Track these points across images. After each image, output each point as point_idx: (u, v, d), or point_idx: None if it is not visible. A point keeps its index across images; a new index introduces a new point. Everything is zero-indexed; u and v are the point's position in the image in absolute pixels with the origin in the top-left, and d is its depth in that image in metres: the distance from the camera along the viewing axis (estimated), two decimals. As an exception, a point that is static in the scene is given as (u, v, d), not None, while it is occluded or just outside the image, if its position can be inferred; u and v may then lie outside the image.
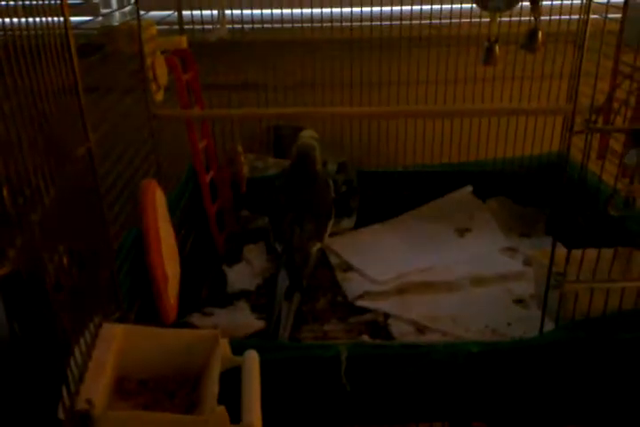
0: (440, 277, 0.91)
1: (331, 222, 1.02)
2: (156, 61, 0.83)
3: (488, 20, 1.03)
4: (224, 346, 0.57)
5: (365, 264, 0.96)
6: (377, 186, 1.13)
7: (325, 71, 1.16)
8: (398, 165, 1.18)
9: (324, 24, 1.13)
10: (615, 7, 0.92)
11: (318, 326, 0.84)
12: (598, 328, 0.68)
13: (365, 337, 0.79)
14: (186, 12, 1.09)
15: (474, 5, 1.01)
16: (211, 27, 1.09)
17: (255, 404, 0.51)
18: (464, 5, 1.12)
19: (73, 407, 0.46)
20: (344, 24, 1.14)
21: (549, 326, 0.72)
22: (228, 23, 1.09)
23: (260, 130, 1.20)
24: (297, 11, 1.13)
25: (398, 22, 1.13)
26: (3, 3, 0.46)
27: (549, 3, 1.12)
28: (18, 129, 0.44)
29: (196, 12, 1.10)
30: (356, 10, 1.13)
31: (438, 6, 1.12)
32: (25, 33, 0.47)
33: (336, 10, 1.13)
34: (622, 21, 0.93)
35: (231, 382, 0.54)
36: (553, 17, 1.11)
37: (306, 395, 0.67)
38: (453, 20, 1.13)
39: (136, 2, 0.84)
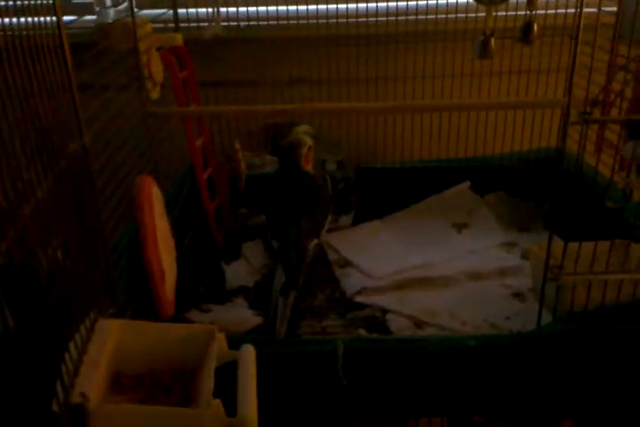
0: (438, 272, 0.91)
1: (328, 219, 1.02)
2: (151, 59, 0.83)
3: (484, 14, 1.04)
4: (220, 340, 0.57)
5: (363, 260, 0.96)
6: (375, 182, 1.13)
7: (321, 68, 1.16)
8: (396, 161, 1.18)
9: (320, 21, 1.13)
10: (610, 0, 0.92)
11: (316, 321, 0.83)
12: (596, 320, 0.67)
13: (362, 332, 0.79)
14: (181, 10, 1.10)
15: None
16: (206, 24, 1.09)
17: (251, 398, 0.51)
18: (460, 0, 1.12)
19: (67, 401, 0.46)
20: (339, 20, 1.14)
21: (547, 318, 0.72)
22: (223, 20, 1.09)
23: (257, 127, 1.20)
24: (292, 8, 1.13)
25: (393, 18, 1.13)
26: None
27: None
28: (10, 124, 0.44)
29: (192, 10, 1.10)
30: (352, 6, 1.13)
31: (434, 1, 1.12)
32: (18, 32, 0.47)
33: (331, 6, 1.13)
34: (617, 13, 0.93)
35: (228, 376, 0.54)
36: (548, 11, 1.11)
37: (302, 390, 0.67)
38: (449, 16, 1.14)
39: (131, 2, 0.84)
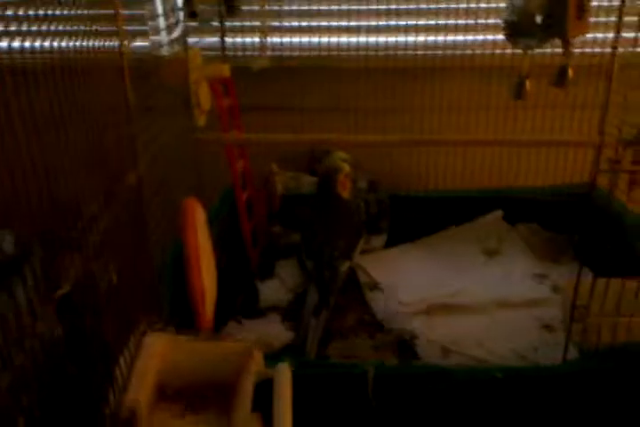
0: (467, 299, 0.93)
1: (360, 242, 1.05)
2: (200, 89, 0.88)
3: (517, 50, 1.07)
4: (258, 358, 0.60)
5: (394, 284, 0.98)
6: (409, 209, 1.15)
7: (358, 97, 1.20)
8: (430, 189, 1.21)
9: (360, 52, 1.18)
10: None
11: (346, 342, 0.86)
12: (621, 359, 0.68)
13: (391, 356, 0.81)
14: (228, 39, 1.15)
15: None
16: (252, 53, 1.14)
17: (287, 415, 0.54)
18: (496, 37, 1.16)
19: (118, 410, 0.50)
20: (379, 53, 1.18)
21: (573, 352, 0.74)
22: (268, 50, 1.14)
23: (295, 149, 1.25)
24: (334, 39, 1.18)
25: (431, 52, 1.17)
26: (69, 28, 0.51)
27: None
28: (77, 154, 0.49)
29: (238, 39, 1.16)
30: (391, 39, 1.17)
31: (472, 37, 1.15)
32: (85, 55, 0.52)
33: (372, 39, 1.18)
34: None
35: (263, 393, 0.57)
36: (583, 50, 1.13)
37: (332, 410, 0.69)
38: (486, 51, 1.17)
39: (184, 32, 0.90)
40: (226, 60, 1.13)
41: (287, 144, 1.10)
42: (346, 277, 0.98)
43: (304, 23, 1.17)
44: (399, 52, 1.18)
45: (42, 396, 0.45)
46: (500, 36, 1.14)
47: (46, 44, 0.47)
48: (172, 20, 1.14)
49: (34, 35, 0.45)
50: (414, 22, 1.17)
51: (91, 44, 0.55)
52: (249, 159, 1.12)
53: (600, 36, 1.11)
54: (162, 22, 1.21)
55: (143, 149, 0.65)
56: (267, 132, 1.11)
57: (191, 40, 0.96)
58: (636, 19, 0.95)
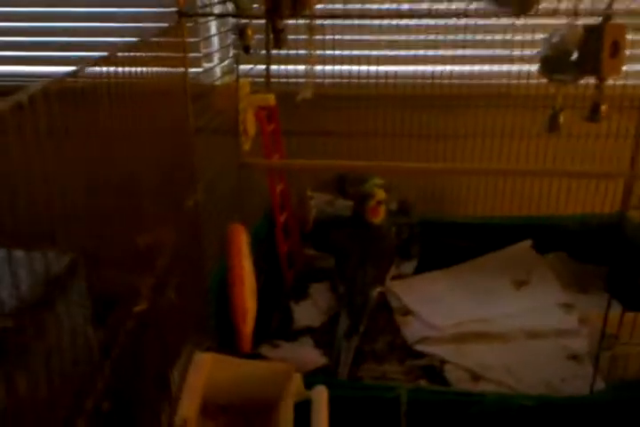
0: (496, 327, 0.95)
1: (392, 267, 1.08)
2: (247, 116, 0.93)
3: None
4: (297, 380, 0.64)
5: (424, 310, 1.01)
6: (439, 234, 1.18)
7: (395, 123, 1.24)
8: (460, 215, 1.24)
9: (398, 81, 1.22)
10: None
11: (377, 366, 0.89)
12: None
13: (423, 381, 0.84)
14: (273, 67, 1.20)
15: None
16: (295, 80, 1.19)
17: (324, 435, 0.57)
18: (531, 68, 1.19)
19: (172, 421, 0.54)
20: (417, 81, 1.22)
21: (601, 384, 0.75)
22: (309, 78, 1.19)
23: (331, 176, 1.28)
24: (374, 68, 1.22)
25: (467, 81, 1.20)
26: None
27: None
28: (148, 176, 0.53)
29: (282, 67, 1.21)
30: (428, 68, 1.21)
31: (508, 68, 1.19)
32: (151, 81, 0.57)
33: (410, 68, 1.22)
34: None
35: (300, 414, 0.60)
36: (616, 82, 1.15)
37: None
38: (521, 81, 1.20)
39: (236, 61, 0.95)
40: (270, 87, 1.18)
41: (327, 169, 1.14)
42: (377, 302, 1.01)
43: (345, 52, 1.22)
44: (436, 81, 1.22)
45: (102, 404, 0.49)
46: (534, 67, 1.18)
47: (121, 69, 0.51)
48: (224, 49, 1.20)
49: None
50: (451, 52, 1.21)
51: (157, 69, 0.60)
52: (287, 182, 1.17)
53: (635, 68, 1.14)
54: (216, 50, 1.27)
55: (201, 173, 0.69)
56: (301, 156, 1.16)
57: (240, 68, 1.02)
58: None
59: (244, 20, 0.89)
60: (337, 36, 1.20)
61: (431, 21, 1.16)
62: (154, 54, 0.57)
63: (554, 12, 0.87)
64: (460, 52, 1.20)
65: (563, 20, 1.00)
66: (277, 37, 1.03)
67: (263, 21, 0.93)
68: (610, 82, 1.16)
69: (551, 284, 1.08)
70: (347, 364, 0.88)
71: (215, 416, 0.63)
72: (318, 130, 1.25)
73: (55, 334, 0.42)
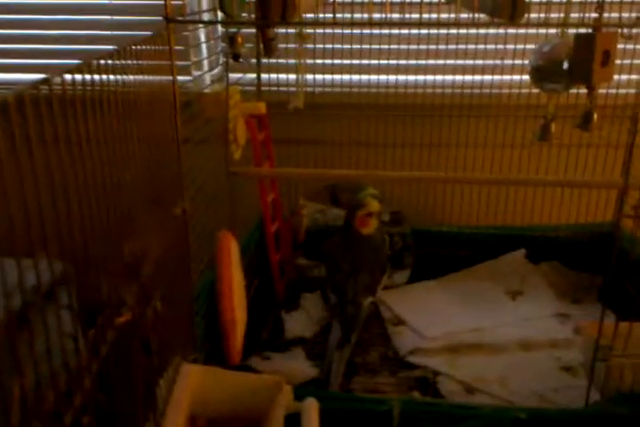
0: (489, 338, 0.94)
1: (384, 277, 1.07)
2: (237, 125, 0.92)
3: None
4: (287, 392, 0.62)
5: (416, 320, 1.00)
6: (431, 244, 1.17)
7: (387, 133, 1.24)
8: (453, 225, 1.23)
9: (389, 90, 1.22)
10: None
11: (369, 378, 0.88)
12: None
13: (416, 393, 0.82)
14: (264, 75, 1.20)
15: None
16: (286, 89, 1.18)
17: (314, 449, 0.56)
18: (522, 77, 1.19)
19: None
20: (408, 90, 1.22)
21: (596, 395, 0.74)
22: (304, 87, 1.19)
23: (323, 185, 1.28)
24: (364, 77, 1.22)
25: (458, 90, 1.21)
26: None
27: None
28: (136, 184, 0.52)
29: (273, 76, 1.21)
30: (420, 78, 1.22)
31: (499, 77, 1.19)
32: (139, 89, 0.56)
33: (401, 77, 1.22)
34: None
35: (291, 426, 0.58)
36: (608, 91, 1.16)
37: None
38: (512, 91, 1.20)
39: (226, 69, 0.94)
40: (260, 95, 1.18)
41: (317, 178, 1.13)
42: (369, 313, 1.00)
43: (337, 61, 1.21)
44: (428, 91, 1.22)
45: (82, 419, 0.47)
46: (526, 77, 1.18)
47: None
48: (214, 57, 1.20)
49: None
50: (442, 62, 1.21)
51: (144, 77, 0.59)
52: (279, 192, 1.16)
53: (625, 77, 1.14)
54: (204, 58, 1.27)
55: (189, 180, 0.69)
56: (292, 165, 1.15)
57: (230, 76, 1.01)
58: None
59: (232, 29, 0.89)
60: (328, 45, 1.20)
61: (423, 31, 1.17)
62: (136, 62, 0.56)
63: (545, 22, 0.87)
64: (451, 61, 1.21)
65: (553, 30, 1.01)
66: (268, 46, 1.03)
67: (253, 30, 0.92)
68: (601, 91, 1.17)
69: (545, 293, 1.07)
70: (338, 376, 0.86)
71: (202, 430, 0.61)
72: (309, 139, 1.24)
73: (44, 343, 0.41)
